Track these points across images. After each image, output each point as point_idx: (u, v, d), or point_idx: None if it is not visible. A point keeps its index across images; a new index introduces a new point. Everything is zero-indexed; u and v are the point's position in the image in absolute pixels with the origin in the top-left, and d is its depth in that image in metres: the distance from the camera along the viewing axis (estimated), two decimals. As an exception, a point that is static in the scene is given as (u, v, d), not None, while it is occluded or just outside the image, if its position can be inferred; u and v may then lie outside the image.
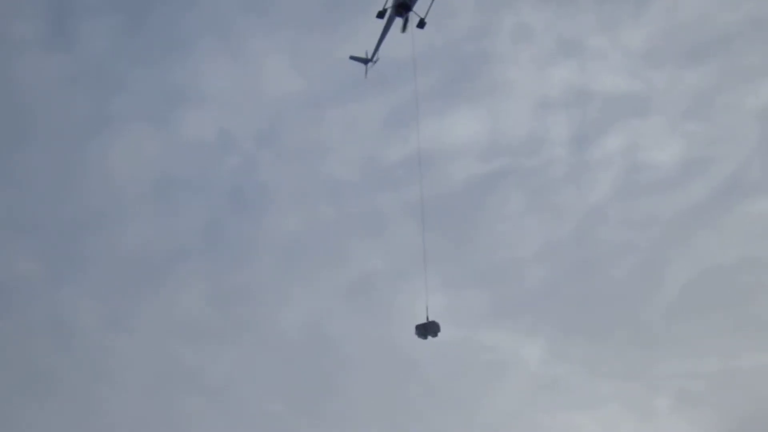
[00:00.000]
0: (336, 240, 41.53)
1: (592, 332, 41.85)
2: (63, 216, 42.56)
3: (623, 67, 45.24)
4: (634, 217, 43.23)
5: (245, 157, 43.71)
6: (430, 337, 31.38)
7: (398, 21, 30.12)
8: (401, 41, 31.65)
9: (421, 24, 30.04)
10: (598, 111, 44.86)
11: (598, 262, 42.81)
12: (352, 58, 31.71)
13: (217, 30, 44.53)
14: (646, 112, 44.86)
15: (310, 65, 44.40)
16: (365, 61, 31.66)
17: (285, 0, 44.54)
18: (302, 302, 41.93)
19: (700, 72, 44.67)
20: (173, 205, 43.11)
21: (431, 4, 29.36)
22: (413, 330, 31.19)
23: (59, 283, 41.47)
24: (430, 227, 43.32)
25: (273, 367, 40.89)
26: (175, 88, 44.12)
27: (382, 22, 30.22)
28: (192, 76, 44.19)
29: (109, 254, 42.29)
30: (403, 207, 43.02)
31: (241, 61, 44.50)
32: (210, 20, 44.59)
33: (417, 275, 42.42)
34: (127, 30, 44.28)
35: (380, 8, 29.83)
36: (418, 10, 29.60)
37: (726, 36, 44.08)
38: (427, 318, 31.51)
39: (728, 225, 42.82)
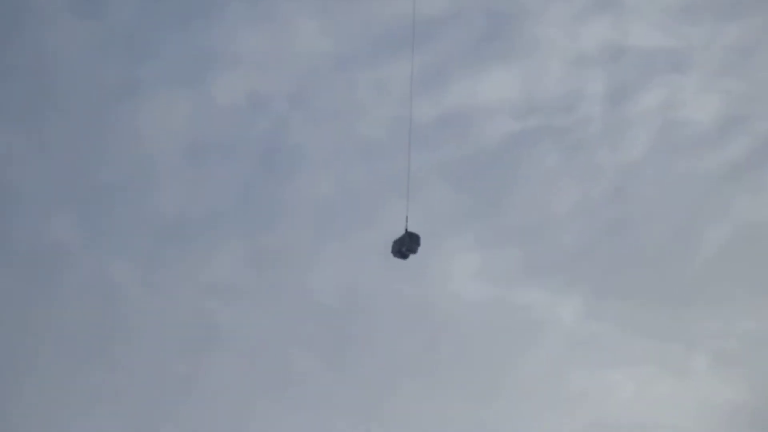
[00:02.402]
0: (368, 200, 41.47)
1: (627, 291, 41.70)
2: (97, 182, 42.77)
3: (660, 22, 44.46)
4: (671, 174, 42.82)
5: (277, 120, 43.63)
6: (410, 255, 27.87)
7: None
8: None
9: None
10: (634, 67, 44.20)
11: (633, 220, 42.52)
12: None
13: (246, -9, 44.32)
14: (683, 69, 44.14)
15: (340, 25, 44.16)
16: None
17: (315, -40, 44.21)
18: (335, 262, 42.04)
19: (739, 27, 43.85)
20: (206, 168, 43.22)
21: None
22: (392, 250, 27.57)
23: (96, 247, 41.80)
24: (464, 187, 43.46)
25: (307, 326, 41.14)
26: (205, 52, 44.05)
27: None
28: (222, 39, 44.08)
29: (144, 218, 42.56)
30: (435, 167, 43.12)
31: (271, 23, 44.28)
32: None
33: (450, 235, 42.76)
34: (157, -6, 44.26)
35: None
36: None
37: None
38: (406, 229, 28.07)
39: (766, 183, 42.32)
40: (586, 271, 41.96)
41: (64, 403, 38.39)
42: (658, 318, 41.21)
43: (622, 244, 42.16)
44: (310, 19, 44.34)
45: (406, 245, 27.98)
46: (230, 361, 40.41)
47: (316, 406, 39.53)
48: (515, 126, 43.21)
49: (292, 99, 43.55)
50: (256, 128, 43.59)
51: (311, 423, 39.13)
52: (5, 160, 42.08)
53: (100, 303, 40.70)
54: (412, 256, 28.55)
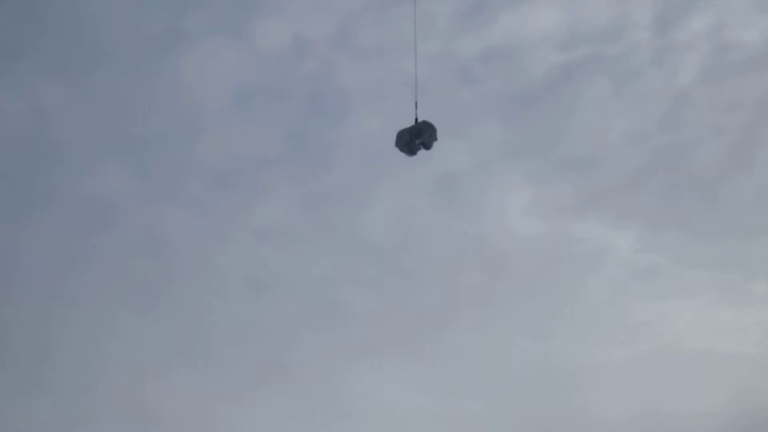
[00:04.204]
0: (418, 138, 41.10)
1: (683, 220, 41.46)
2: (144, 133, 42.93)
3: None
4: (722, 99, 42.09)
5: (322, 62, 43.41)
6: (421, 150, 23.80)
7: None
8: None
9: None
10: (681, -9, 43.40)
11: (686, 147, 42.05)
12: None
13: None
14: (731, -11, 43.29)
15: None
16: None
17: None
18: (387, 202, 42.19)
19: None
20: (253, 114, 43.18)
21: None
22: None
23: (152, 197, 42.18)
24: (513, 122, 43.18)
25: (360, 267, 41.45)
26: (247, -2, 43.80)
27: None
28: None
29: (194, 167, 42.78)
30: (482, 103, 42.83)
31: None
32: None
33: (502, 170, 42.61)
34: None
35: None
36: None
37: None
38: (416, 119, 23.82)
39: (822, 102, 41.58)
40: (641, 201, 41.79)
41: (117, 353, 39.05)
42: (715, 246, 41.08)
43: (676, 173, 41.89)
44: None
45: (421, 136, 23.90)
46: (284, 305, 40.96)
47: (372, 346, 39.95)
48: (562, 57, 42.71)
49: (336, 40, 43.25)
50: (302, 72, 43.46)
51: (368, 363, 39.56)
52: (51, 113, 42.35)
53: (152, 253, 41.22)
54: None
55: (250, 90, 43.54)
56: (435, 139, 24.15)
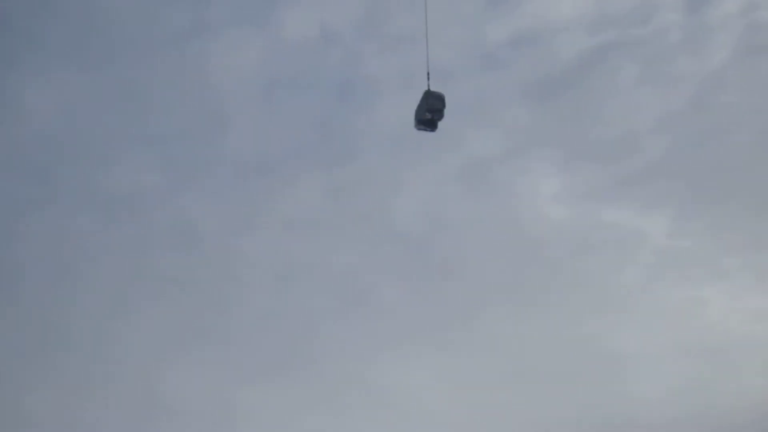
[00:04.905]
0: (446, 124, 40.72)
1: (716, 203, 40.73)
2: (176, 125, 42.96)
3: None
4: (755, 80, 41.36)
5: (349, 50, 43.17)
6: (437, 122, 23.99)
7: None
8: None
9: None
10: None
11: (719, 129, 41.29)
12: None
13: None
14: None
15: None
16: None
17: None
18: (416, 190, 41.82)
19: None
20: (281, 104, 43.00)
21: None
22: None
23: (181, 190, 42.17)
24: (543, 107, 42.67)
25: (390, 255, 41.10)
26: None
27: None
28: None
29: (225, 158, 42.76)
30: (512, 88, 42.37)
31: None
32: None
33: (532, 155, 42.15)
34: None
35: None
36: None
37: None
38: (429, 86, 24.26)
39: None
40: (673, 184, 41.14)
41: (156, 340, 39.07)
42: (749, 229, 40.31)
43: (708, 155, 41.13)
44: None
45: (429, 106, 24.16)
46: (311, 294, 40.76)
47: (400, 336, 39.62)
48: (591, 41, 42.13)
49: (362, 28, 43.00)
50: (328, 61, 43.25)
51: (394, 352, 39.22)
52: (78, 108, 42.49)
53: (179, 243, 41.21)
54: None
55: (277, 80, 43.48)
56: (444, 105, 24.63)
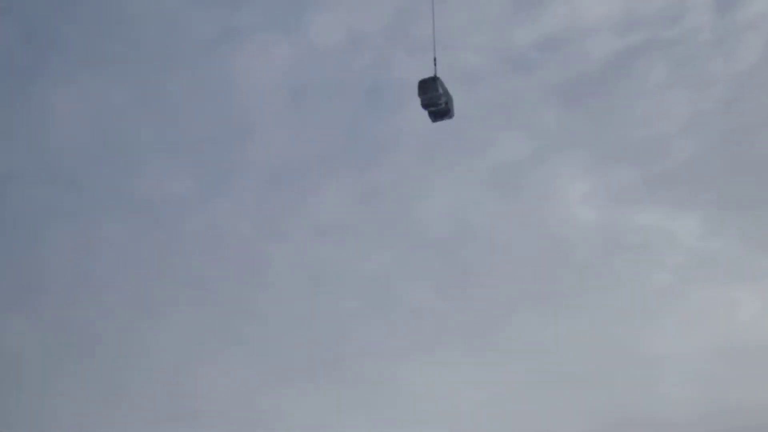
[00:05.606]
0: (474, 128, 40.85)
1: (747, 204, 40.44)
2: (204, 131, 43.23)
3: None
4: (787, 79, 41.12)
5: (377, 55, 43.25)
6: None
7: None
8: None
9: None
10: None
11: (749, 130, 40.93)
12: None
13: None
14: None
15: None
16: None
17: None
18: (446, 194, 41.85)
19: None
20: (310, 110, 43.19)
21: None
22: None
23: (210, 196, 42.45)
24: (571, 109, 42.53)
25: (420, 260, 41.14)
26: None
27: None
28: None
29: (254, 164, 42.99)
30: (540, 90, 42.27)
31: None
32: None
33: (561, 158, 42.02)
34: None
35: None
36: None
37: None
38: (436, 71, 23.78)
39: None
40: (703, 186, 40.88)
41: (185, 345, 39.32)
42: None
43: (739, 157, 40.80)
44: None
45: (426, 101, 23.73)
46: (341, 299, 40.90)
47: (429, 340, 39.66)
48: (619, 43, 41.97)
49: (390, 33, 43.06)
50: (357, 66, 43.34)
51: (424, 357, 39.22)
52: (109, 116, 42.81)
53: (209, 250, 41.46)
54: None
55: (305, 85, 43.65)
56: (437, 89, 24.18)
